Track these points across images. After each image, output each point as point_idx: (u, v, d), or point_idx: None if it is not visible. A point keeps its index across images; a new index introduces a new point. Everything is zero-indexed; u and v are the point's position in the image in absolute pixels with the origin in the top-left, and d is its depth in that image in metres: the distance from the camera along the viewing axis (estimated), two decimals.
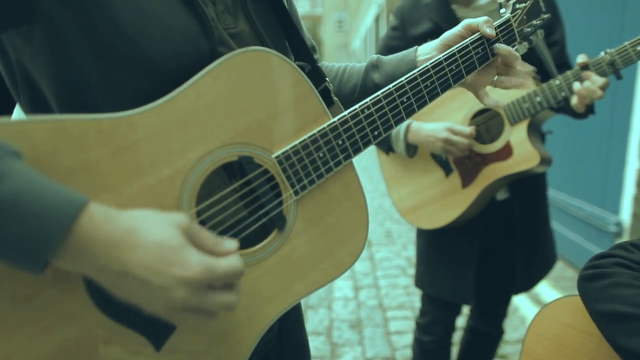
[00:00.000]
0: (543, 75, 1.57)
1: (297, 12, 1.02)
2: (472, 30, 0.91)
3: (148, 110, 0.63)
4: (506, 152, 1.54)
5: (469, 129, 1.50)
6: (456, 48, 0.87)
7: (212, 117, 0.67)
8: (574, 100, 1.43)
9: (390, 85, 0.81)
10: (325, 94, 0.83)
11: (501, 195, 1.67)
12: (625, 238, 2.97)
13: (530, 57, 1.49)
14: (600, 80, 1.38)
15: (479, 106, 1.56)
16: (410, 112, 0.83)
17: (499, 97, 1.53)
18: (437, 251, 1.76)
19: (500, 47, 0.91)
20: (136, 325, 0.63)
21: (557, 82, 1.45)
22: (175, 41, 0.68)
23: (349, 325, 3.00)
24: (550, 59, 1.61)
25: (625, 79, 1.38)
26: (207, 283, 0.56)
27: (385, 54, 1.67)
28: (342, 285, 3.57)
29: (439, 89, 0.86)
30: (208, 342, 0.68)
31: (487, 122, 1.60)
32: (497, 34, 0.93)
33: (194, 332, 0.67)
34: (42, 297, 0.57)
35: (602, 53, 1.41)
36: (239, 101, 0.69)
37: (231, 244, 0.60)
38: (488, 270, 1.78)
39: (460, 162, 1.59)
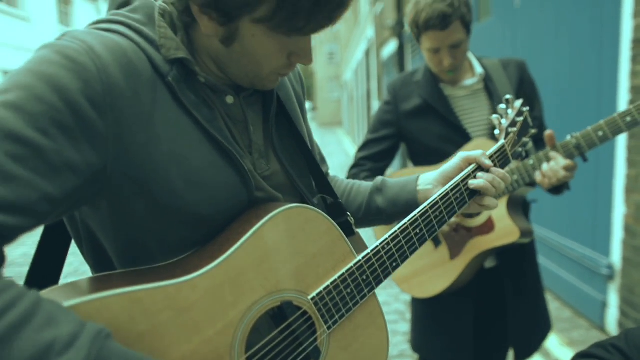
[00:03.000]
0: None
1: (310, 127, 1.13)
2: (469, 162, 1.01)
3: (206, 273, 0.73)
4: (488, 226, 1.66)
5: None
6: (459, 178, 0.99)
7: (258, 272, 0.77)
8: (538, 178, 1.55)
9: (406, 220, 0.92)
10: (347, 226, 0.94)
11: (489, 264, 1.78)
12: (617, 281, 3.08)
13: None
14: (563, 162, 1.50)
15: None
16: (422, 242, 0.94)
17: None
18: (433, 318, 1.86)
19: (475, 182, 0.99)
20: None
21: (531, 161, 1.58)
22: (220, 198, 0.80)
23: None
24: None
25: None
26: None
27: (379, 127, 1.84)
28: None
29: (446, 217, 0.97)
30: None
31: None
32: (493, 160, 1.05)
33: None
34: None
35: (569, 136, 1.53)
36: (280, 254, 0.80)
37: None
38: (482, 336, 1.86)
39: (448, 234, 1.71)
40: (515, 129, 1.14)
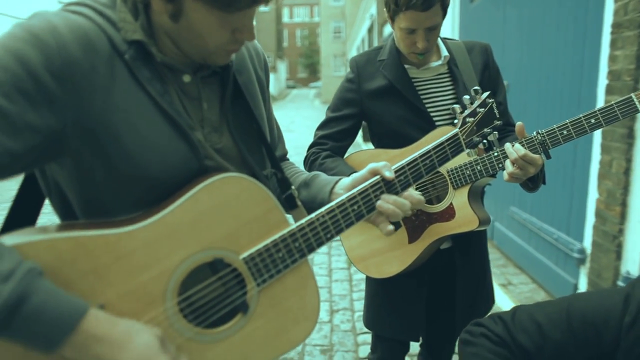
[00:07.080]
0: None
1: (272, 110, 1.20)
2: (374, 173, 1.03)
3: (146, 226, 0.83)
4: (449, 213, 1.69)
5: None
6: (369, 183, 1.02)
7: (193, 229, 0.87)
8: (509, 169, 1.53)
9: (343, 197, 1.00)
10: (291, 199, 1.03)
11: (444, 245, 1.81)
12: (587, 265, 3.12)
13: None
14: (522, 150, 1.48)
15: None
16: (360, 217, 1.02)
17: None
18: (386, 295, 1.88)
19: (382, 205, 1.03)
20: None
21: (496, 153, 1.61)
22: (170, 163, 0.90)
23: (321, 350, 3.16)
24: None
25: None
26: None
27: (341, 106, 1.86)
28: None
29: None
30: None
31: (434, 181, 1.75)
32: (398, 172, 1.05)
33: None
34: None
35: (534, 133, 1.55)
36: (215, 216, 0.89)
37: None
38: (434, 313, 1.93)
39: (408, 218, 1.72)
40: (473, 119, 1.16)
